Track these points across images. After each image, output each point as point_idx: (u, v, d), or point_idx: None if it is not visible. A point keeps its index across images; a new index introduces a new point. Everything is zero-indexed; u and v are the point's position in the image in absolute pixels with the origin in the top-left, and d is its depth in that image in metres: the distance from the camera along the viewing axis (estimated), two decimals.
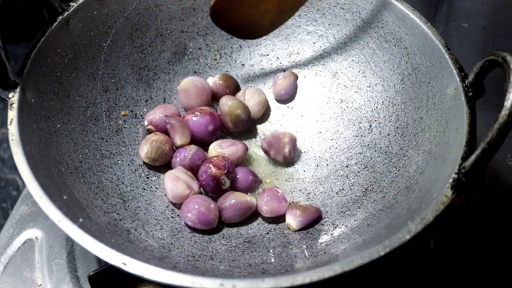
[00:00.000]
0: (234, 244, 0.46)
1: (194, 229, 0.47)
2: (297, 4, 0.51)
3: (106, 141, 0.50)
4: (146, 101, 0.54)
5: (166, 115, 0.51)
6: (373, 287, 0.47)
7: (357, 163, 0.50)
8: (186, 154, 0.49)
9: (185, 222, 0.46)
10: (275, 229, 0.47)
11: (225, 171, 0.47)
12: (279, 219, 0.48)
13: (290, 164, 0.52)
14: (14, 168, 0.70)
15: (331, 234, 0.45)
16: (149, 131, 0.52)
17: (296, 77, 0.56)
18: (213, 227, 0.46)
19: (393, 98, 0.50)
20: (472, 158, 0.36)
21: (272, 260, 0.43)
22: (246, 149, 0.51)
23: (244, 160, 0.52)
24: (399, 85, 0.50)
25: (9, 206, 0.68)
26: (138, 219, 0.45)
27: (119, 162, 0.49)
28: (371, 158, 0.50)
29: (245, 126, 0.53)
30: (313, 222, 0.47)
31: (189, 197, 0.47)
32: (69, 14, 0.47)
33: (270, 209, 0.47)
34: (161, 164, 0.50)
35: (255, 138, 0.55)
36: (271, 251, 0.44)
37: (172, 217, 0.47)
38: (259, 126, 0.56)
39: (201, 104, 0.53)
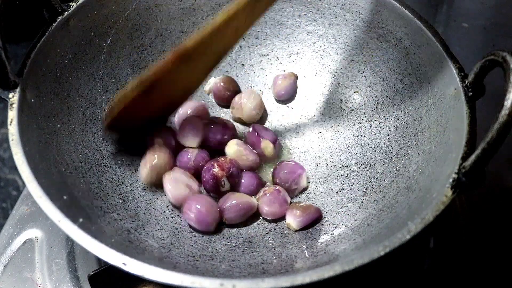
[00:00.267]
0: (234, 244, 0.46)
1: (194, 229, 0.47)
2: (190, 92, 0.50)
3: (106, 141, 0.50)
4: None
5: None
6: (373, 287, 0.47)
7: (357, 163, 0.50)
8: (189, 156, 0.49)
9: (185, 219, 0.46)
10: (275, 229, 0.47)
11: (227, 174, 0.47)
12: (279, 219, 0.48)
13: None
14: (14, 168, 0.70)
15: (331, 234, 0.45)
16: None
17: (296, 77, 0.56)
18: (210, 230, 0.46)
19: (393, 98, 0.50)
20: (472, 158, 0.36)
21: (272, 260, 0.43)
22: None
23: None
24: (399, 85, 0.50)
25: (9, 206, 0.68)
26: (138, 219, 0.45)
27: (119, 162, 0.49)
28: (371, 158, 0.50)
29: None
30: (313, 222, 0.47)
31: (193, 195, 0.47)
32: (69, 14, 0.47)
33: (271, 211, 0.47)
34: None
35: None
36: (271, 251, 0.44)
37: (172, 217, 0.47)
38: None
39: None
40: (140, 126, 0.49)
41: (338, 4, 0.53)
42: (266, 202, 0.47)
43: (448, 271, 0.49)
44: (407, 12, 0.48)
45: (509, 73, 0.34)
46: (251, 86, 0.57)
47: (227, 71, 0.57)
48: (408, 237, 0.35)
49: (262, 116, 0.56)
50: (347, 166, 0.51)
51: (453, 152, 0.40)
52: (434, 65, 0.46)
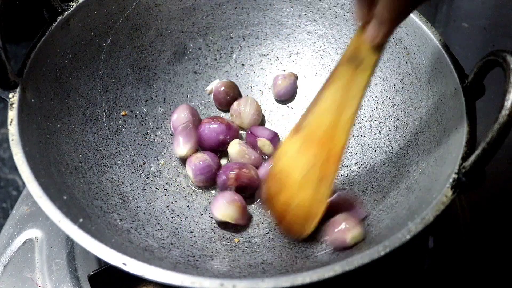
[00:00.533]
0: (234, 244, 0.46)
1: (194, 230, 0.47)
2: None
3: (106, 141, 0.50)
4: (146, 101, 0.54)
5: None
6: (373, 287, 0.47)
7: (357, 163, 0.50)
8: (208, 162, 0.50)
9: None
10: (275, 229, 0.47)
11: (237, 184, 0.48)
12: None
13: None
14: (14, 168, 0.70)
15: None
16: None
17: (296, 77, 0.56)
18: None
19: (393, 98, 0.50)
20: (472, 158, 0.36)
21: (272, 260, 0.43)
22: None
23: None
24: (399, 85, 0.50)
25: (9, 206, 0.68)
26: (138, 219, 0.45)
27: (119, 162, 0.49)
28: (371, 158, 0.50)
29: None
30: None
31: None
32: (69, 14, 0.47)
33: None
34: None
35: None
36: (271, 251, 0.44)
37: (172, 217, 0.47)
38: None
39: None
40: None
41: (338, 4, 0.53)
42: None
43: (448, 271, 0.49)
44: None
45: (509, 73, 0.34)
46: (251, 86, 0.57)
47: (227, 71, 0.57)
48: (408, 237, 0.35)
49: (261, 119, 0.56)
50: (347, 166, 0.51)
51: (453, 152, 0.40)
52: (434, 65, 0.46)
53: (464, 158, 0.38)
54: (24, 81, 0.42)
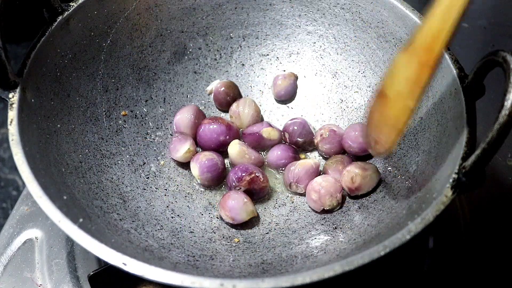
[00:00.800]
0: (234, 244, 0.46)
1: (194, 230, 0.47)
2: None
3: (106, 141, 0.50)
4: (146, 101, 0.54)
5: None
6: (373, 287, 0.47)
7: None
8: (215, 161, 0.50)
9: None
10: (275, 229, 0.47)
11: (247, 186, 0.48)
12: (279, 218, 0.48)
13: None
14: (14, 168, 0.70)
15: (331, 234, 0.45)
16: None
17: (296, 77, 0.56)
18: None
19: None
20: (472, 158, 0.36)
21: (272, 260, 0.43)
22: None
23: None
24: None
25: (9, 206, 0.68)
26: (138, 219, 0.45)
27: (119, 162, 0.49)
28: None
29: None
30: None
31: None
32: (69, 14, 0.47)
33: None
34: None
35: None
36: (271, 251, 0.44)
37: (172, 217, 0.47)
38: None
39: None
40: None
41: (338, 4, 0.53)
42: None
43: (448, 271, 0.49)
44: (407, 12, 0.48)
45: (509, 73, 0.34)
46: (251, 86, 0.57)
47: (227, 71, 0.57)
48: (408, 237, 0.35)
49: (261, 119, 0.56)
50: None
51: (453, 152, 0.40)
52: None
53: (464, 158, 0.38)
54: (24, 81, 0.42)
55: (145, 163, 0.51)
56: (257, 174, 0.48)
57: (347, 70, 0.54)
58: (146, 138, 0.52)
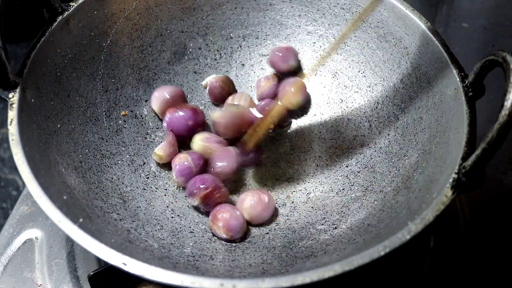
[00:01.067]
0: (234, 244, 0.46)
1: (194, 230, 0.47)
2: None
3: (106, 141, 0.50)
4: (146, 101, 0.54)
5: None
6: (373, 287, 0.47)
7: (357, 163, 0.50)
8: (188, 164, 0.49)
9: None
10: (275, 229, 0.47)
11: (203, 201, 0.47)
12: (279, 218, 0.48)
13: (291, 164, 0.52)
14: (14, 168, 0.70)
15: (331, 234, 0.45)
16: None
17: (279, 78, 0.56)
18: None
19: (393, 98, 0.50)
20: (472, 158, 0.36)
21: (272, 260, 0.43)
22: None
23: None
24: (399, 85, 0.50)
25: (9, 206, 0.68)
26: (138, 219, 0.45)
27: (119, 162, 0.49)
28: (371, 158, 0.50)
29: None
30: None
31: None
32: (69, 14, 0.47)
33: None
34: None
35: None
36: (271, 251, 0.44)
37: (172, 217, 0.47)
38: None
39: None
40: None
41: (338, 4, 0.53)
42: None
43: (448, 271, 0.49)
44: (407, 12, 0.48)
45: (509, 73, 0.34)
46: (251, 86, 0.57)
47: (227, 71, 0.57)
48: (408, 237, 0.35)
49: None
50: (347, 166, 0.51)
51: (453, 152, 0.40)
52: (434, 65, 0.46)
53: (464, 158, 0.38)
54: (24, 81, 0.42)
55: (145, 163, 0.51)
56: (213, 190, 0.47)
57: (347, 70, 0.54)
58: (146, 138, 0.52)
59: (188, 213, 0.48)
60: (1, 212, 0.67)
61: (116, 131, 0.51)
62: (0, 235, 0.52)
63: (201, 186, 0.47)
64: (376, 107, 0.51)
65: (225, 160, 0.49)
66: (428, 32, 0.46)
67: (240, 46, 0.57)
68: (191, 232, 0.46)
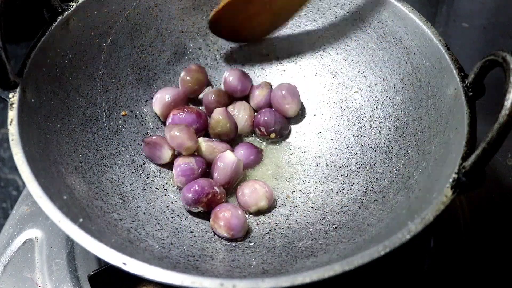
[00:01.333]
0: (234, 244, 0.46)
1: (194, 230, 0.47)
2: (291, 8, 0.53)
3: (106, 141, 0.50)
4: (146, 101, 0.54)
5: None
6: (373, 287, 0.47)
7: (357, 163, 0.50)
8: (191, 166, 0.49)
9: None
10: (275, 229, 0.47)
11: (206, 207, 0.47)
12: (279, 218, 0.48)
13: (291, 164, 0.52)
14: (14, 168, 0.70)
15: (331, 234, 0.45)
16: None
17: (271, 86, 0.55)
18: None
19: (393, 98, 0.50)
20: (472, 158, 0.36)
21: (272, 260, 0.43)
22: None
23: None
24: (399, 85, 0.50)
25: (9, 206, 0.68)
26: (138, 219, 0.45)
27: (119, 162, 0.49)
28: (371, 158, 0.50)
29: (229, 138, 0.53)
30: None
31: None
32: (69, 14, 0.47)
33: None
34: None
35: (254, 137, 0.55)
36: (271, 251, 0.44)
37: (172, 217, 0.47)
38: None
39: None
40: (241, 35, 0.54)
41: (338, 4, 0.53)
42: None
43: (448, 271, 0.49)
44: (407, 12, 0.48)
45: (509, 73, 0.34)
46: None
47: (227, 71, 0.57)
48: (408, 237, 0.35)
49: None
50: (347, 166, 0.51)
51: (453, 152, 0.40)
52: (434, 65, 0.46)
53: (464, 158, 0.38)
54: (24, 81, 0.42)
55: (145, 163, 0.51)
56: (214, 191, 0.47)
57: (347, 70, 0.54)
58: (146, 138, 0.52)
59: (188, 213, 0.48)
60: (1, 212, 0.67)
61: (116, 131, 0.51)
62: (0, 235, 0.52)
63: (203, 193, 0.47)
64: (376, 107, 0.51)
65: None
66: (428, 32, 0.46)
67: (240, 46, 0.57)
68: (191, 232, 0.46)
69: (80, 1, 0.48)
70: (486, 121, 0.37)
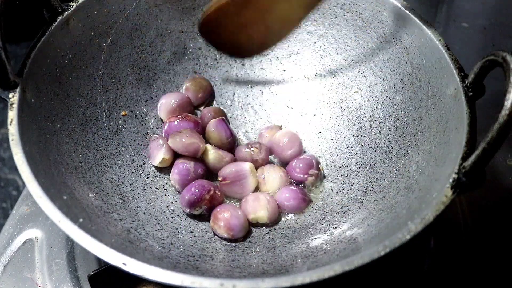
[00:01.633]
0: (234, 244, 0.46)
1: (194, 230, 0.47)
2: (287, 28, 0.50)
3: (106, 141, 0.50)
4: (146, 101, 0.54)
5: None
6: (373, 287, 0.47)
7: (357, 163, 0.50)
8: (188, 167, 0.49)
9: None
10: (275, 229, 0.47)
11: (209, 205, 0.47)
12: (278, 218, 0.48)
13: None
14: (14, 168, 0.70)
15: (331, 234, 0.45)
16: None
17: (280, 128, 0.54)
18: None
19: (393, 98, 0.50)
20: (472, 158, 0.36)
21: (272, 260, 0.43)
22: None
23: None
24: (399, 85, 0.50)
25: (9, 206, 0.68)
26: (138, 219, 0.45)
27: (119, 162, 0.49)
28: (371, 158, 0.50)
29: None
30: None
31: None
32: (69, 14, 0.47)
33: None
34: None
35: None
36: (271, 251, 0.44)
37: (172, 217, 0.47)
38: (259, 125, 0.56)
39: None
40: (233, 45, 0.50)
41: (338, 4, 0.53)
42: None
43: (448, 271, 0.49)
44: (407, 12, 0.48)
45: (509, 73, 0.34)
46: (251, 86, 0.57)
47: (227, 71, 0.57)
48: (408, 237, 0.35)
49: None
50: (347, 166, 0.51)
51: (453, 152, 0.40)
52: (434, 65, 0.46)
53: (464, 158, 0.38)
54: (24, 81, 0.42)
55: (145, 163, 0.51)
56: (215, 187, 0.47)
57: (347, 70, 0.54)
58: (146, 138, 0.52)
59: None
60: (1, 212, 0.67)
61: (116, 131, 0.51)
62: (0, 235, 0.52)
63: (204, 190, 0.47)
64: (376, 107, 0.51)
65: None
66: (428, 32, 0.46)
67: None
68: (191, 232, 0.46)
69: (80, 1, 0.48)
70: (486, 121, 0.37)
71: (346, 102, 0.54)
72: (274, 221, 0.48)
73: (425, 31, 0.47)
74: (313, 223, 0.47)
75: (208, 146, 0.50)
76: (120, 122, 0.52)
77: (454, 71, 0.43)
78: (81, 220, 0.37)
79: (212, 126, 0.51)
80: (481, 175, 0.37)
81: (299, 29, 0.56)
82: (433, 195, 0.38)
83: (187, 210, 0.47)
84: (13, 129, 0.39)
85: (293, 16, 0.49)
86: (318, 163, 0.50)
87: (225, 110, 0.56)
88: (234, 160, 0.50)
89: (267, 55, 0.57)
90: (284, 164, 0.52)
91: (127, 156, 0.50)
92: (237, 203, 0.49)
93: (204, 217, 0.48)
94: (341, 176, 0.50)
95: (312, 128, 0.55)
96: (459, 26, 0.72)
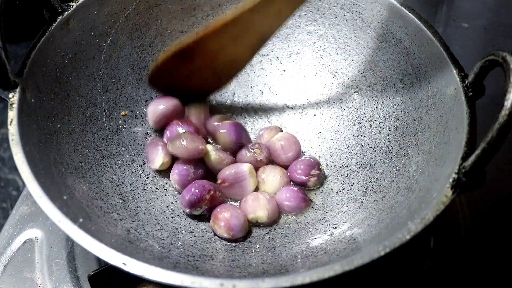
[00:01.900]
0: (234, 244, 0.46)
1: (194, 230, 0.47)
2: (237, 67, 0.52)
3: (106, 141, 0.50)
4: (146, 101, 0.54)
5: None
6: (373, 287, 0.47)
7: (357, 163, 0.50)
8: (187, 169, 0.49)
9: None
10: (275, 229, 0.47)
11: (210, 205, 0.47)
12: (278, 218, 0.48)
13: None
14: (14, 168, 0.70)
15: (331, 234, 0.45)
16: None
17: (281, 130, 0.54)
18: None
19: (393, 98, 0.50)
20: (472, 158, 0.36)
21: (272, 260, 0.43)
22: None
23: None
24: (399, 85, 0.50)
25: (9, 206, 0.68)
26: (138, 219, 0.45)
27: (119, 162, 0.49)
28: (371, 158, 0.50)
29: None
30: None
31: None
32: (69, 14, 0.47)
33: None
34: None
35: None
36: (271, 251, 0.44)
37: (172, 217, 0.47)
38: (259, 125, 0.56)
39: None
40: (182, 92, 0.52)
41: (338, 4, 0.53)
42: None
43: (448, 271, 0.49)
44: (407, 12, 0.48)
45: (509, 73, 0.34)
46: (251, 86, 0.57)
47: None
48: (408, 237, 0.35)
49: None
50: (347, 166, 0.51)
51: (453, 152, 0.40)
52: (434, 65, 0.46)
53: (464, 158, 0.38)
54: (24, 81, 0.42)
55: (145, 163, 0.51)
56: (215, 187, 0.47)
57: (347, 70, 0.54)
58: (146, 138, 0.52)
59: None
60: (1, 212, 0.67)
61: (116, 131, 0.51)
62: (0, 235, 0.52)
63: (205, 190, 0.46)
64: (376, 107, 0.51)
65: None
66: (428, 32, 0.46)
67: None
68: (191, 232, 0.46)
69: (80, 1, 0.48)
70: (486, 121, 0.37)
71: (346, 102, 0.54)
72: (273, 221, 0.48)
73: (425, 31, 0.47)
74: (313, 223, 0.47)
75: (209, 147, 0.50)
76: (120, 122, 0.52)
77: (454, 71, 0.43)
78: (81, 220, 0.37)
79: (224, 128, 0.51)
80: (481, 175, 0.37)
81: (299, 29, 0.56)
82: (433, 195, 0.38)
83: (188, 210, 0.47)
84: (13, 129, 0.39)
85: (241, 57, 0.51)
86: (318, 164, 0.50)
87: (224, 110, 0.56)
88: (234, 161, 0.50)
89: (267, 55, 0.57)
90: (284, 167, 0.51)
91: (127, 156, 0.50)
92: (237, 203, 0.49)
93: (204, 217, 0.48)
94: (341, 176, 0.50)
95: (312, 128, 0.55)
96: (459, 26, 0.72)
